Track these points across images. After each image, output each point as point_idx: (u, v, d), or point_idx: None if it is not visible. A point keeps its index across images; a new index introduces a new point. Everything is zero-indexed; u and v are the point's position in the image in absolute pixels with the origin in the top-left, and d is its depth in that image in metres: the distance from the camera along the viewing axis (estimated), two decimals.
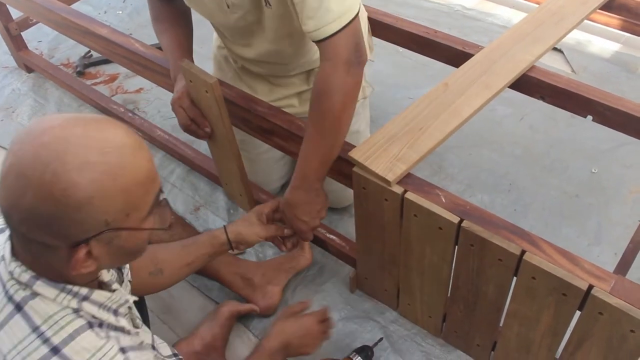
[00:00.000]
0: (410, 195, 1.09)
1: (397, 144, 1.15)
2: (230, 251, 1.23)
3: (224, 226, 1.22)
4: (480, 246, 1.03)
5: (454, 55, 1.42)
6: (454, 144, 1.81)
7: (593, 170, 1.74)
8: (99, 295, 0.79)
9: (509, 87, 1.34)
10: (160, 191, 0.77)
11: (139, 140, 0.73)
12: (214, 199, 1.74)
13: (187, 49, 1.33)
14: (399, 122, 1.20)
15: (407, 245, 1.19)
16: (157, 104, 2.12)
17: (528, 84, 1.34)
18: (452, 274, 1.16)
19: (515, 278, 1.03)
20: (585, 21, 2.27)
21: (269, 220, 1.25)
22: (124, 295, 0.85)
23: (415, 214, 1.11)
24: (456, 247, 1.09)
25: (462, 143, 1.82)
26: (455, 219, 1.04)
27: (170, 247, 1.18)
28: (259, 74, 1.46)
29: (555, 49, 2.17)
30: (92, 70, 2.31)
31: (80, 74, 2.27)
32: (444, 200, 1.09)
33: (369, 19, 1.54)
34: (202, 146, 1.88)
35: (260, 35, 1.26)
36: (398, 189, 1.10)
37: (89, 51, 2.35)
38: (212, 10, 1.23)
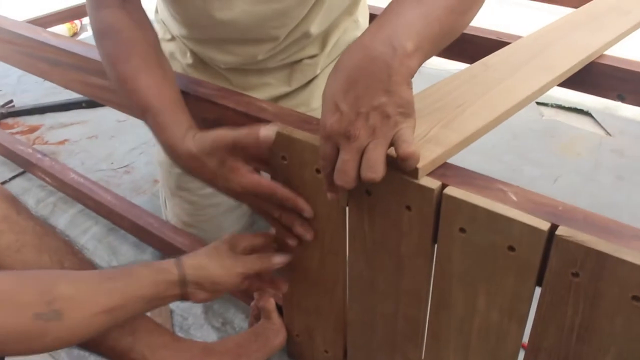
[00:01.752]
0: (454, 192, 0.63)
1: (423, 121, 0.71)
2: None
3: (178, 257, 0.77)
4: (596, 271, 0.56)
5: (482, 47, 1.03)
6: None
7: None
8: None
9: (569, 83, 0.94)
10: None
11: None
12: None
13: (179, 96, 0.82)
14: (424, 99, 0.78)
15: (442, 295, 0.70)
16: (82, 156, 1.66)
17: (599, 75, 0.95)
18: (526, 337, 0.66)
19: None
20: None
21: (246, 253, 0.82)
22: None
23: (462, 227, 0.63)
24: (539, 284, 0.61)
25: None
26: (543, 225, 0.58)
27: (81, 276, 0.69)
28: (220, 72, 1.03)
29: (581, 111, 1.83)
30: (9, 120, 1.88)
31: None
32: (514, 198, 0.62)
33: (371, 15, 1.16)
34: (130, 195, 1.41)
35: None
36: (432, 183, 0.64)
37: (11, 101, 1.94)
38: None
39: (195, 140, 0.75)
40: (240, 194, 0.75)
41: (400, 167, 0.61)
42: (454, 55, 1.11)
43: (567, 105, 1.86)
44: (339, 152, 0.61)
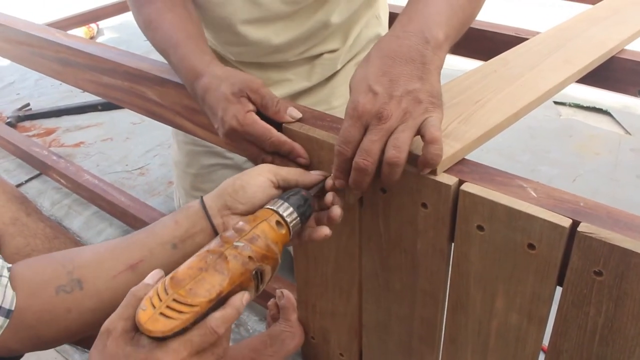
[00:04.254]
0: (471, 188, 0.61)
1: None
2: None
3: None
4: (620, 270, 0.53)
5: (500, 44, 1.01)
6: None
7: None
8: None
9: (589, 78, 0.91)
10: None
11: None
12: None
13: (203, 34, 0.83)
14: (443, 94, 0.74)
15: (459, 296, 0.68)
16: (96, 158, 1.67)
17: (619, 70, 0.92)
18: (546, 339, 0.64)
19: None
20: None
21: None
22: None
23: (480, 225, 0.61)
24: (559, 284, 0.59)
25: None
26: (564, 222, 0.55)
27: (103, 243, 0.66)
28: (238, 68, 1.01)
29: (599, 110, 1.80)
30: (26, 123, 1.89)
31: (12, 125, 1.84)
32: (534, 194, 0.60)
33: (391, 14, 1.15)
34: (145, 196, 1.41)
35: None
36: (449, 179, 0.62)
37: (28, 104, 1.95)
38: None
39: (224, 68, 0.73)
40: (231, 132, 0.69)
41: (423, 153, 0.59)
42: (473, 53, 1.09)
43: (585, 105, 1.83)
44: (366, 134, 0.60)
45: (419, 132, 0.59)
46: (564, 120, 1.78)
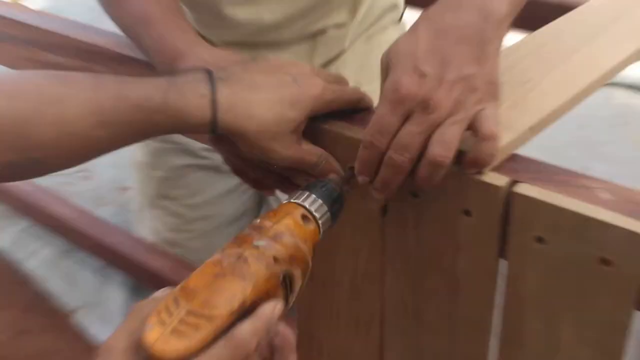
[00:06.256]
0: (528, 190, 0.62)
1: None
2: None
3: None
4: None
5: (541, 13, 1.03)
6: None
7: None
8: None
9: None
10: None
11: None
12: (103, 298, 1.23)
13: (181, 9, 0.84)
14: None
15: (513, 327, 0.70)
16: None
17: None
18: None
19: None
20: None
21: None
22: None
23: (540, 236, 0.63)
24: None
25: None
26: None
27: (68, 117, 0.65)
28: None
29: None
30: None
31: None
32: (608, 197, 0.63)
33: None
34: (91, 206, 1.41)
35: None
36: (498, 179, 0.63)
37: None
38: None
39: (212, 50, 0.74)
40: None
41: (475, 151, 0.61)
42: None
43: None
44: (405, 123, 0.61)
45: (470, 125, 0.61)
46: (618, 106, 1.81)
